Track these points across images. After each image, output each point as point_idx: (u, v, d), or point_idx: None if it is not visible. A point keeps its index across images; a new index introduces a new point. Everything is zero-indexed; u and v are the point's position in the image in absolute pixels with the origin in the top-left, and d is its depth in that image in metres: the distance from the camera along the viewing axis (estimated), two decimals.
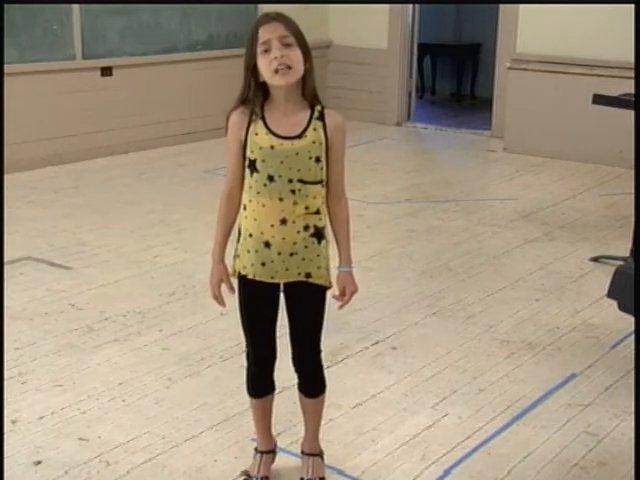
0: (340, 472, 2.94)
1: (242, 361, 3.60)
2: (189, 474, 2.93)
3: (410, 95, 9.20)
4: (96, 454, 3.02)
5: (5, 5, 6.22)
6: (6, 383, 3.47)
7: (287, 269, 2.59)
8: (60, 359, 3.73)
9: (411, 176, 7.22)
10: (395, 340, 3.97)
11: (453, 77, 11.08)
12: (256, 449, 2.91)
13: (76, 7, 7.06)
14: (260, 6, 8.27)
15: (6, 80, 6.45)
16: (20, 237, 5.30)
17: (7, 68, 6.50)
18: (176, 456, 3.02)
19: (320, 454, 2.90)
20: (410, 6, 8.91)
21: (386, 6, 8.81)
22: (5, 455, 2.94)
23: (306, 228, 2.57)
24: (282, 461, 2.95)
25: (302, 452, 2.91)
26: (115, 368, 3.66)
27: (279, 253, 2.56)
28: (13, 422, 3.20)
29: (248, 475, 2.87)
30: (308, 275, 2.61)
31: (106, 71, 7.38)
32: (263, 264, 2.58)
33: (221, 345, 3.86)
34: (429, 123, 9.25)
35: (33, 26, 6.83)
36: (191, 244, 5.23)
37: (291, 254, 2.57)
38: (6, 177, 6.32)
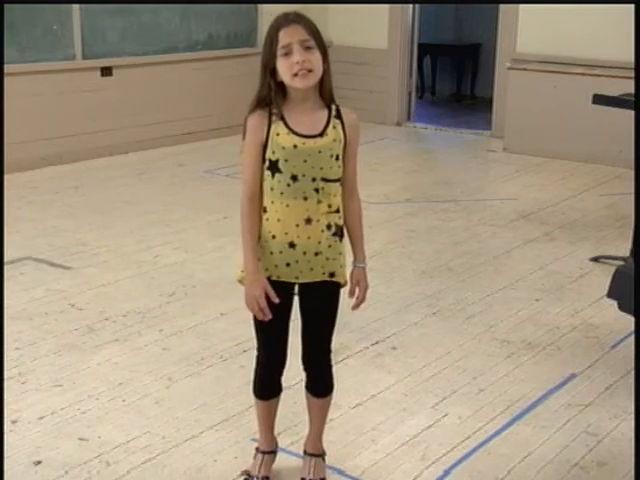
0: (340, 472, 2.94)
1: (242, 361, 3.62)
2: (189, 474, 2.93)
3: (410, 95, 9.21)
4: (96, 454, 3.02)
5: (5, 5, 6.22)
6: (6, 383, 3.47)
7: (312, 269, 2.58)
8: (60, 359, 3.73)
9: (411, 176, 7.22)
10: (395, 340, 3.97)
11: (453, 77, 11.07)
12: (257, 449, 2.91)
13: (76, 7, 7.06)
14: (260, 6, 8.29)
15: (6, 80, 6.45)
16: (20, 237, 5.29)
17: (7, 68, 6.50)
18: (176, 456, 3.02)
19: (322, 455, 2.90)
20: (410, 6, 8.91)
21: (386, 6, 8.82)
22: (5, 455, 2.94)
23: (329, 227, 2.58)
24: (282, 461, 2.95)
25: (304, 452, 2.91)
26: (115, 368, 3.66)
27: (304, 253, 2.56)
28: (13, 422, 3.20)
29: (249, 475, 2.87)
30: (332, 274, 2.62)
31: (106, 71, 7.38)
32: (288, 264, 2.57)
33: (221, 345, 3.86)
34: (429, 123, 9.25)
35: (33, 26, 6.83)
36: (191, 244, 5.22)
37: (316, 253, 2.57)
38: (6, 177, 6.31)
